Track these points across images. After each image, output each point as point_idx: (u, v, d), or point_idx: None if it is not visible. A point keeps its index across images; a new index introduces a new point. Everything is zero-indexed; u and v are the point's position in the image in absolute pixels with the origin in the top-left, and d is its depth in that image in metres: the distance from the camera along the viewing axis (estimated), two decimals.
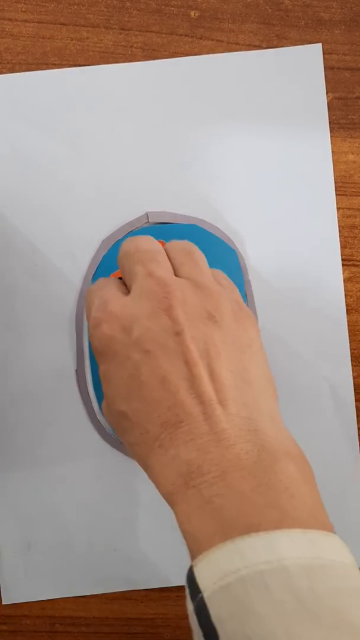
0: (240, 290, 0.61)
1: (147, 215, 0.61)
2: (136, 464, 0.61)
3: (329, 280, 0.62)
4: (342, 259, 0.62)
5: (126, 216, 0.61)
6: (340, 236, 0.62)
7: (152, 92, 0.62)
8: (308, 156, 0.62)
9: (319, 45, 0.62)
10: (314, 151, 0.62)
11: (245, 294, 0.61)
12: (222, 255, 0.61)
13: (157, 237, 0.59)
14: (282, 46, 0.62)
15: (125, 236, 0.61)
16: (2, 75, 0.61)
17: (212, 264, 0.60)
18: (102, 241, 0.61)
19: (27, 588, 0.61)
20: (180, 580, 0.61)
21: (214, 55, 0.62)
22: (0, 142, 0.61)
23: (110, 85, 0.62)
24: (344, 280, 0.62)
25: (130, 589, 0.61)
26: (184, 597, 0.60)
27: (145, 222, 0.61)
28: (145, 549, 0.61)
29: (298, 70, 0.62)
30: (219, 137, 0.62)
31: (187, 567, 0.61)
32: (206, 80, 0.62)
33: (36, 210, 0.61)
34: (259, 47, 0.62)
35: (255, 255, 0.62)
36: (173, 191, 0.62)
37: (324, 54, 0.62)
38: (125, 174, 0.62)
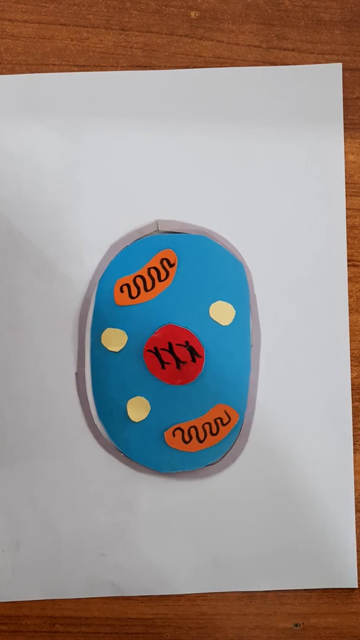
0: (244, 304, 0.61)
1: (157, 223, 0.61)
2: (130, 470, 0.61)
3: (337, 297, 0.62)
4: None
5: (136, 223, 0.61)
6: None
7: (167, 101, 0.61)
8: (321, 172, 0.62)
9: (339, 65, 0.62)
10: (327, 166, 0.62)
11: (250, 307, 0.61)
12: (229, 267, 0.61)
13: (165, 246, 0.60)
14: (282, 46, 0.62)
15: (134, 242, 0.61)
16: (19, 75, 0.61)
17: (218, 276, 0.61)
18: (111, 246, 0.61)
19: (14, 587, 0.62)
20: (167, 590, 0.61)
21: (231, 68, 0.62)
22: (15, 143, 0.61)
23: (127, 92, 0.61)
24: None
25: (116, 595, 0.61)
26: (184, 598, 0.61)
27: (155, 230, 0.61)
28: (134, 556, 0.62)
29: (316, 88, 0.62)
30: (233, 148, 0.61)
31: (174, 577, 0.62)
32: (221, 92, 0.62)
33: (46, 212, 0.61)
34: (259, 47, 0.62)
35: (263, 268, 0.62)
36: (184, 200, 0.62)
37: (323, 54, 0.62)
38: (137, 180, 0.62)
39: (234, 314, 0.61)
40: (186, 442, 0.61)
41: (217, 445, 0.61)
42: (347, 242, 0.62)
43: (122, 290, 0.61)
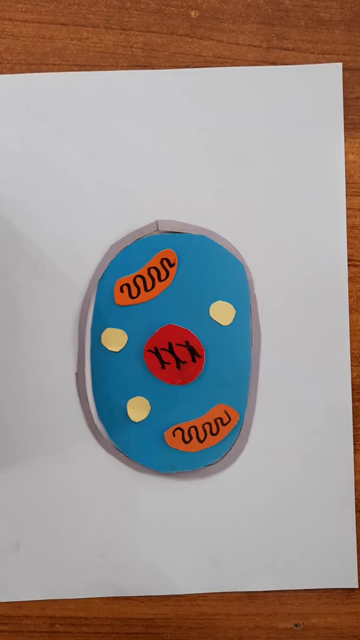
0: (244, 304, 0.61)
1: (157, 223, 0.61)
2: (130, 470, 0.61)
3: (337, 297, 0.62)
4: None
5: (136, 223, 0.61)
6: None
7: (167, 100, 0.62)
8: (321, 172, 0.62)
9: (339, 64, 0.62)
10: (327, 166, 0.62)
11: (250, 307, 0.61)
12: (229, 267, 0.61)
13: (166, 246, 0.59)
14: (282, 46, 0.62)
15: (134, 242, 0.61)
16: (19, 75, 0.61)
17: (218, 276, 0.61)
18: (111, 246, 0.61)
19: (14, 587, 0.62)
20: (167, 590, 0.61)
21: (231, 68, 0.62)
22: (16, 142, 0.61)
23: (127, 92, 0.62)
24: None
25: (116, 595, 0.61)
26: (184, 598, 0.61)
27: (155, 230, 0.61)
28: (134, 556, 0.62)
29: (316, 87, 0.62)
30: (233, 148, 0.61)
31: (173, 577, 0.62)
32: (221, 91, 0.62)
33: (47, 211, 0.61)
34: (259, 46, 0.62)
35: (263, 268, 0.62)
36: (184, 200, 0.62)
37: (323, 53, 0.62)
38: (137, 180, 0.62)
39: (234, 314, 0.61)
40: (186, 442, 0.61)
41: (217, 445, 0.61)
42: (347, 242, 0.62)
43: (122, 290, 0.61)
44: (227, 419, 0.61)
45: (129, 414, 0.61)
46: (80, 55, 0.62)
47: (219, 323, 0.61)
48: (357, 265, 0.62)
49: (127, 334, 0.61)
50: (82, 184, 0.61)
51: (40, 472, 0.61)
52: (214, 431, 0.61)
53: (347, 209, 0.62)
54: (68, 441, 0.61)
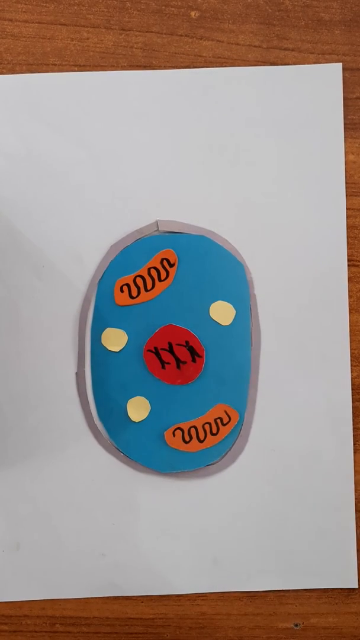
0: (244, 304, 0.61)
1: (157, 223, 0.61)
2: (130, 470, 0.61)
3: (337, 297, 0.62)
4: None
5: (136, 223, 0.61)
6: None
7: (167, 101, 0.61)
8: (321, 172, 0.62)
9: (339, 65, 0.62)
10: (327, 167, 0.62)
11: (250, 308, 0.61)
12: (229, 267, 0.61)
13: (166, 246, 0.60)
14: (282, 46, 0.62)
15: (134, 243, 0.61)
16: (19, 75, 0.61)
17: (218, 276, 0.61)
18: (111, 246, 0.61)
19: (14, 587, 0.62)
20: (167, 590, 0.61)
21: (231, 68, 0.62)
22: (16, 143, 0.61)
23: (127, 92, 0.61)
24: None
25: (116, 595, 0.61)
26: (184, 598, 0.61)
27: (155, 230, 0.61)
28: (134, 556, 0.62)
29: (316, 87, 0.62)
30: (233, 148, 0.61)
31: (173, 577, 0.62)
32: (221, 92, 0.62)
33: (47, 211, 0.61)
34: (259, 47, 0.62)
35: (263, 268, 0.62)
36: (184, 200, 0.62)
37: (323, 54, 0.62)
38: (137, 181, 0.61)
39: (234, 314, 0.61)
40: (186, 442, 0.61)
41: (217, 445, 0.61)
42: (347, 242, 0.62)
43: (122, 290, 0.61)
44: (227, 419, 0.61)
45: (129, 413, 0.61)
46: (81, 56, 0.62)
47: (219, 323, 0.61)
48: (357, 265, 0.62)
49: (127, 334, 0.61)
50: (82, 184, 0.61)
51: (40, 472, 0.61)
52: (214, 431, 0.61)
53: (347, 209, 0.62)
54: (68, 441, 0.61)
